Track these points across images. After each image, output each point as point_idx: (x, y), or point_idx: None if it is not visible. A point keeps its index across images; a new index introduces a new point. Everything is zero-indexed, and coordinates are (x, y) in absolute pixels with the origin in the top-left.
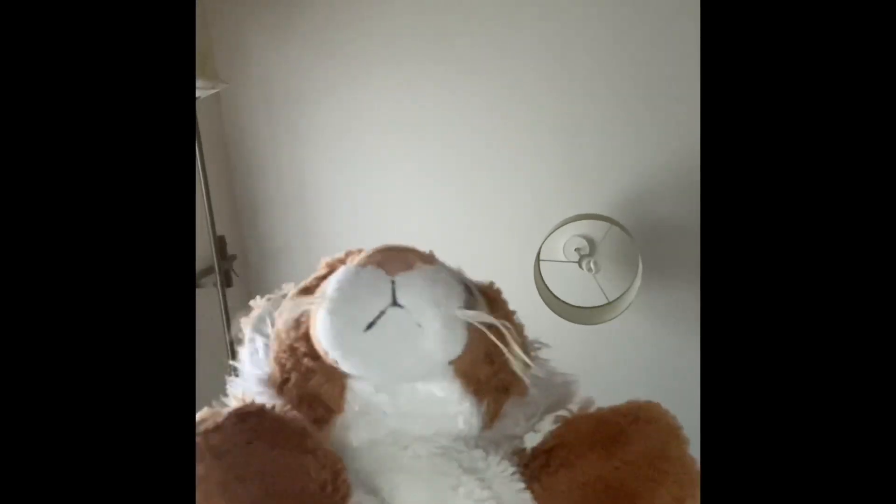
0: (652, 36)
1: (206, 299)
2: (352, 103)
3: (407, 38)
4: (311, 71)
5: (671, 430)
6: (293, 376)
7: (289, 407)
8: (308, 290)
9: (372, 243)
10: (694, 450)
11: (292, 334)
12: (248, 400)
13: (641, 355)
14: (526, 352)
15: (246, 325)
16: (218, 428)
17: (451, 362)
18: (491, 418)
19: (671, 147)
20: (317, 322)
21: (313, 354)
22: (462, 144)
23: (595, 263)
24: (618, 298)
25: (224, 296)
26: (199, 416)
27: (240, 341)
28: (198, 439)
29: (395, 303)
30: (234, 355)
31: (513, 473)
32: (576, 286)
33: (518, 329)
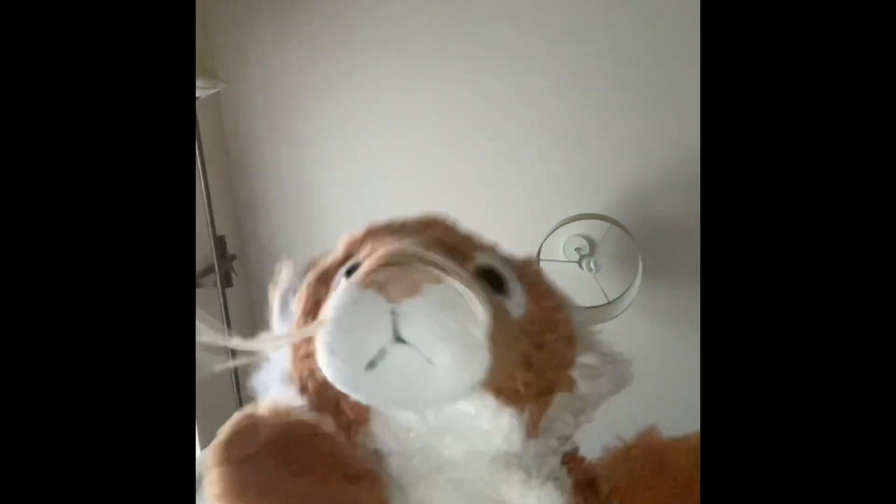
0: (652, 36)
1: (206, 299)
2: (352, 103)
3: (407, 38)
4: (311, 71)
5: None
6: (310, 385)
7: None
8: (326, 276)
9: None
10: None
11: (306, 364)
12: (278, 407)
13: (641, 355)
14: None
15: (274, 293)
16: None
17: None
18: (535, 425)
19: (671, 147)
20: (318, 352)
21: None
22: (462, 144)
23: (595, 263)
24: (618, 298)
25: (224, 296)
26: (231, 426)
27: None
28: (220, 454)
29: (397, 338)
30: (234, 355)
31: (558, 496)
32: (576, 286)
33: (565, 317)
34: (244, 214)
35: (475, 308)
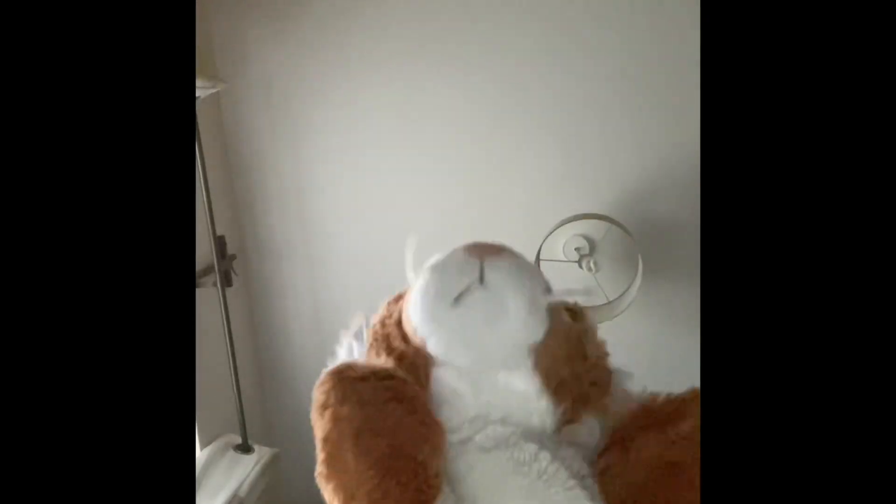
0: (652, 35)
1: (206, 299)
2: (352, 103)
3: (406, 37)
4: (311, 71)
5: None
6: (384, 358)
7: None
8: (402, 296)
9: (371, 243)
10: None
11: (387, 328)
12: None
13: (641, 355)
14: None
15: (346, 336)
16: (364, 379)
17: (531, 352)
18: (566, 422)
19: (671, 147)
20: (409, 299)
21: (405, 339)
22: (462, 144)
23: (595, 263)
24: (618, 298)
25: (224, 296)
26: (336, 366)
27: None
28: (340, 383)
29: (481, 281)
30: (233, 355)
31: (567, 478)
32: (576, 286)
33: (593, 338)
34: (244, 214)
35: (542, 279)
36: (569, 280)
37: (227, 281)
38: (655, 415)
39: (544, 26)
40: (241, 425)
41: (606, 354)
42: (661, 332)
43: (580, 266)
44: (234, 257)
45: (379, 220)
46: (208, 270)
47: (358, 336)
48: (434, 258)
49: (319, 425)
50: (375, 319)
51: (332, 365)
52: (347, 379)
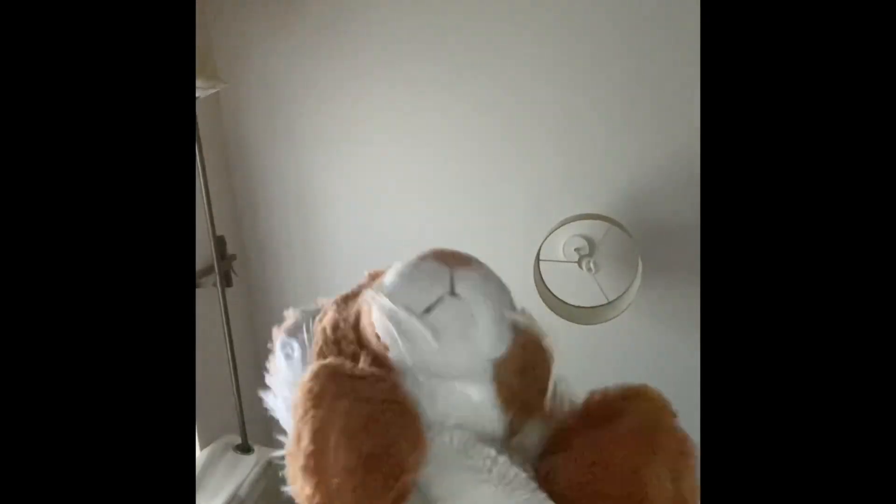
0: (652, 35)
1: (206, 299)
2: (352, 103)
3: (406, 38)
4: (312, 71)
5: (661, 405)
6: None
7: None
8: (350, 298)
9: (371, 243)
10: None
11: (339, 330)
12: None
13: (641, 355)
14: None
15: (278, 333)
16: (361, 377)
17: (492, 364)
18: (512, 432)
19: (671, 147)
20: (374, 308)
21: (360, 343)
22: (462, 144)
23: (595, 263)
24: (618, 298)
25: (224, 296)
26: (329, 361)
27: (269, 351)
28: (337, 378)
29: (452, 292)
30: (233, 355)
31: (526, 478)
32: (576, 286)
33: (549, 360)
34: (244, 214)
35: (508, 292)
36: (569, 280)
37: (227, 281)
38: (593, 415)
39: (545, 27)
40: (241, 425)
41: (553, 361)
42: (661, 332)
43: (580, 266)
44: (234, 257)
45: (379, 219)
46: (208, 270)
47: (294, 334)
48: (399, 265)
49: (312, 416)
50: (325, 321)
51: (274, 364)
52: (344, 375)
